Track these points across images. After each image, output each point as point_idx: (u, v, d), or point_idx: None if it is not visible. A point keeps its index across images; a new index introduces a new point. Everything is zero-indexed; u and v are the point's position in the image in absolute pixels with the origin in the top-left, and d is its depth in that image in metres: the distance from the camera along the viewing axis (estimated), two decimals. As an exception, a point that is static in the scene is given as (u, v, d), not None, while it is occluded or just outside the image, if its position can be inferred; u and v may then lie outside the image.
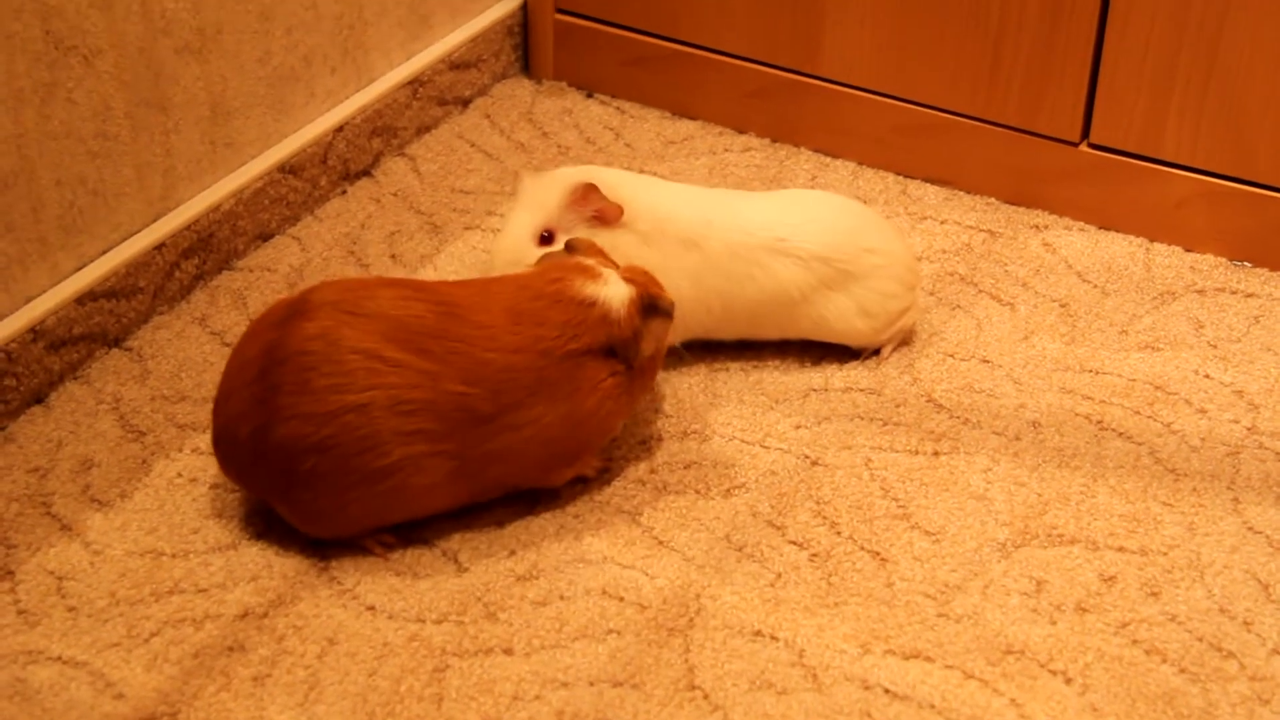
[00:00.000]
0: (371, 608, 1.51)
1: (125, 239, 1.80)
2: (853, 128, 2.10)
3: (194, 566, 1.55)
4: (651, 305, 1.57)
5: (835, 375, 1.79)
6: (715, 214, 1.74)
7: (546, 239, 1.70)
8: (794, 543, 1.59)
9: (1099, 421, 1.73)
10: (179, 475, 1.64)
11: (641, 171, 2.07)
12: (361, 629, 1.49)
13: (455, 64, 2.18)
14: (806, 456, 1.69)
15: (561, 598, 1.52)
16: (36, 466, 1.64)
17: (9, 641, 1.47)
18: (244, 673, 1.45)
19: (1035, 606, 1.53)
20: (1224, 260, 1.96)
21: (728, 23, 2.12)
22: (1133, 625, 1.51)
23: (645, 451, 1.69)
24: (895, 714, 1.43)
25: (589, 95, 2.24)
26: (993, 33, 1.98)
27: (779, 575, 1.55)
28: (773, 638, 1.49)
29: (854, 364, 1.80)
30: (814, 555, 1.58)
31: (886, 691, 1.45)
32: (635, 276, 1.59)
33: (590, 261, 1.59)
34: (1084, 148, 2.00)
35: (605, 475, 1.66)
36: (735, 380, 1.78)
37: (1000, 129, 2.02)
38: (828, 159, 2.12)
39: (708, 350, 1.80)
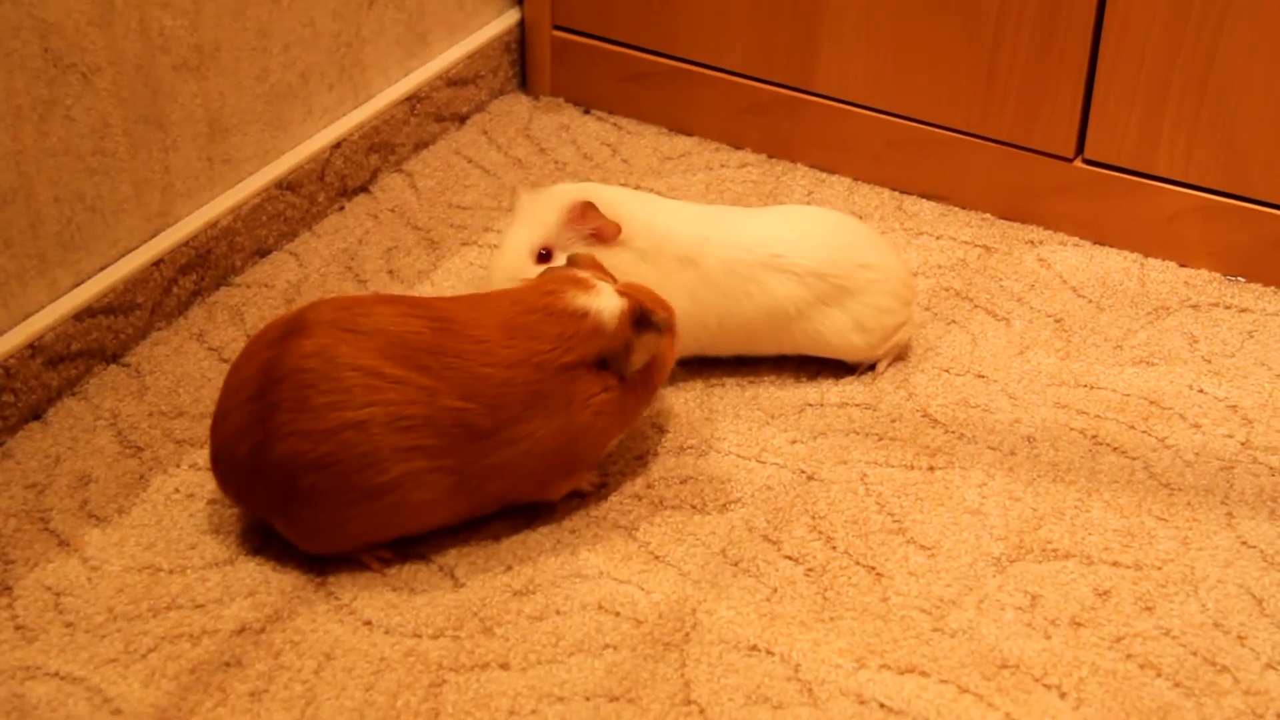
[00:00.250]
0: (368, 623, 1.52)
1: (123, 255, 1.80)
2: (848, 143, 2.11)
3: (191, 582, 1.55)
4: (644, 318, 1.57)
5: (831, 390, 1.80)
6: (712, 231, 1.75)
7: (544, 256, 1.71)
8: (790, 558, 1.59)
9: (1094, 436, 1.74)
10: (176, 491, 1.65)
11: (638, 188, 2.08)
12: (358, 644, 1.50)
13: (453, 80, 2.19)
14: (802, 471, 1.69)
15: (558, 613, 1.53)
16: (34, 482, 1.65)
17: (7, 657, 1.47)
18: (241, 688, 1.45)
19: (1030, 621, 1.53)
20: (1218, 275, 1.97)
21: (724, 39, 2.13)
22: (1127, 639, 1.51)
23: (641, 467, 1.70)
24: (890, 728, 1.43)
25: (586, 111, 2.25)
26: (988, 48, 1.99)
27: (775, 590, 1.56)
28: (768, 652, 1.49)
29: (850, 379, 1.81)
30: (809, 570, 1.58)
31: (882, 706, 1.45)
32: (631, 291, 1.60)
33: (585, 274, 1.59)
34: (1079, 163, 2.00)
35: (602, 490, 1.66)
36: (731, 395, 1.79)
37: (995, 144, 2.03)
38: (824, 175, 2.13)
39: (704, 366, 1.81)
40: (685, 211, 1.78)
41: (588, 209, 1.70)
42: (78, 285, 1.76)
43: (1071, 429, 1.75)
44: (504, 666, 1.48)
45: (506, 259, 1.71)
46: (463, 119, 2.22)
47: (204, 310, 1.88)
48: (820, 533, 1.62)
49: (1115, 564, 1.59)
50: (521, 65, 2.28)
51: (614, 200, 1.73)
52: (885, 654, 1.49)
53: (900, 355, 1.83)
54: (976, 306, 1.92)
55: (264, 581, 1.55)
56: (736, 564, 1.58)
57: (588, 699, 1.45)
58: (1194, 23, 1.87)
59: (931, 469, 1.69)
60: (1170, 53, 1.90)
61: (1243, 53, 1.86)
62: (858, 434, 1.74)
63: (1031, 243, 2.02)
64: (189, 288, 1.87)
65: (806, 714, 1.44)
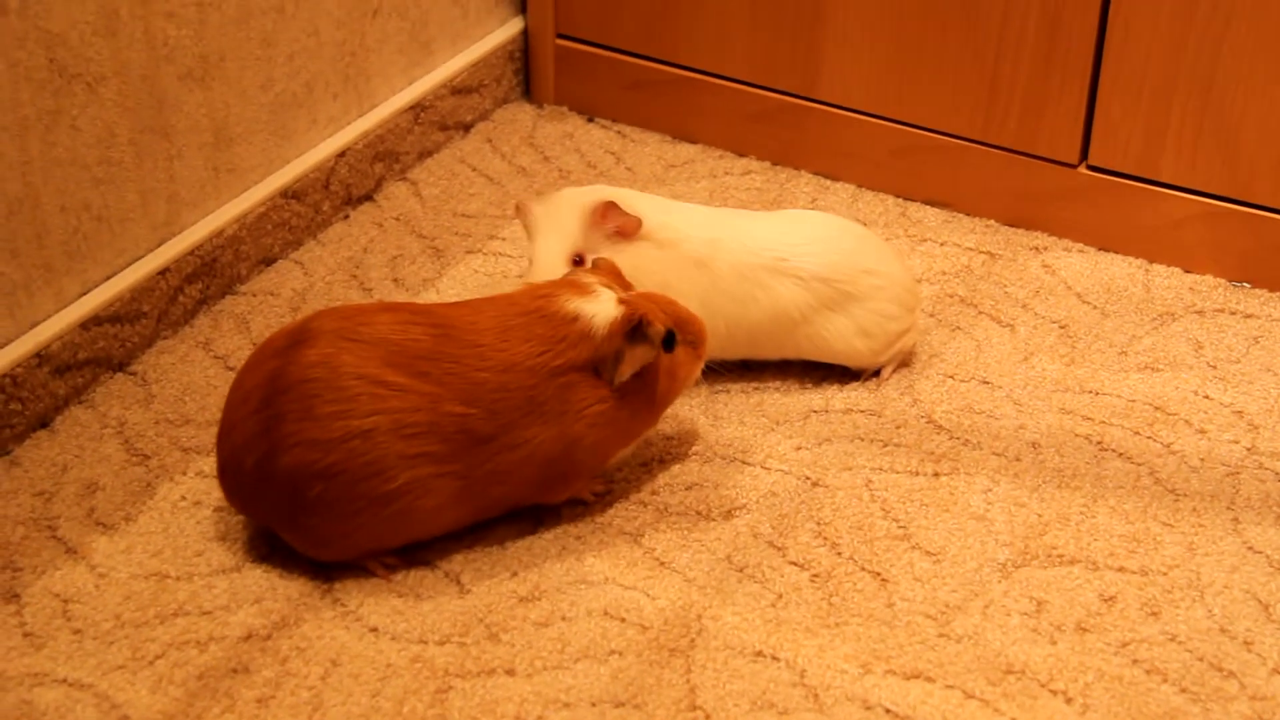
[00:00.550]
0: (374, 629, 1.52)
1: (129, 264, 1.81)
2: (852, 151, 2.11)
3: (198, 589, 1.55)
4: (638, 330, 1.55)
5: (836, 397, 1.80)
6: (723, 233, 1.75)
7: (579, 263, 1.70)
8: (795, 563, 1.59)
9: (1099, 442, 1.74)
10: (183, 498, 1.65)
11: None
12: (364, 650, 1.50)
13: (456, 89, 2.19)
14: (807, 478, 1.69)
15: (563, 619, 1.53)
16: (42, 490, 1.65)
17: (15, 664, 1.47)
18: (248, 694, 1.45)
19: (1036, 626, 1.53)
20: (1223, 281, 1.97)
21: (728, 47, 2.14)
22: (1133, 645, 1.51)
23: (646, 473, 1.70)
24: (896, 734, 1.43)
25: (590, 119, 2.26)
26: (991, 55, 1.99)
27: (780, 596, 1.56)
28: (774, 658, 1.49)
29: (854, 385, 1.81)
30: (815, 576, 1.58)
31: (888, 712, 1.45)
32: (636, 301, 1.58)
33: (589, 279, 1.59)
34: (1083, 169, 2.01)
35: (607, 497, 1.67)
36: (736, 402, 1.79)
37: (999, 151, 2.03)
38: (828, 182, 2.13)
39: (708, 371, 1.81)
40: (697, 214, 1.79)
41: (609, 208, 1.70)
42: (84, 294, 1.76)
43: (1077, 435, 1.75)
44: (510, 672, 1.48)
45: (544, 272, 1.69)
46: (467, 127, 2.23)
47: (210, 319, 1.89)
48: (825, 539, 1.62)
49: (1121, 569, 1.59)
50: (525, 74, 2.29)
51: (630, 199, 1.74)
52: (891, 660, 1.49)
53: (905, 361, 1.84)
54: (981, 313, 1.92)
55: (270, 588, 1.55)
56: (742, 570, 1.59)
57: (593, 705, 1.45)
58: (1197, 28, 1.87)
59: (936, 475, 1.70)
60: (1174, 58, 1.90)
61: (1246, 58, 1.87)
62: (862, 440, 1.74)
63: (1036, 249, 2.02)
64: (195, 296, 1.88)
65: (812, 719, 1.44)
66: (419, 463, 1.51)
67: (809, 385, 1.81)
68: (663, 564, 1.59)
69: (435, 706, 1.45)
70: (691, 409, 1.78)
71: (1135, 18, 1.90)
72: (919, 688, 1.47)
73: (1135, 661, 1.50)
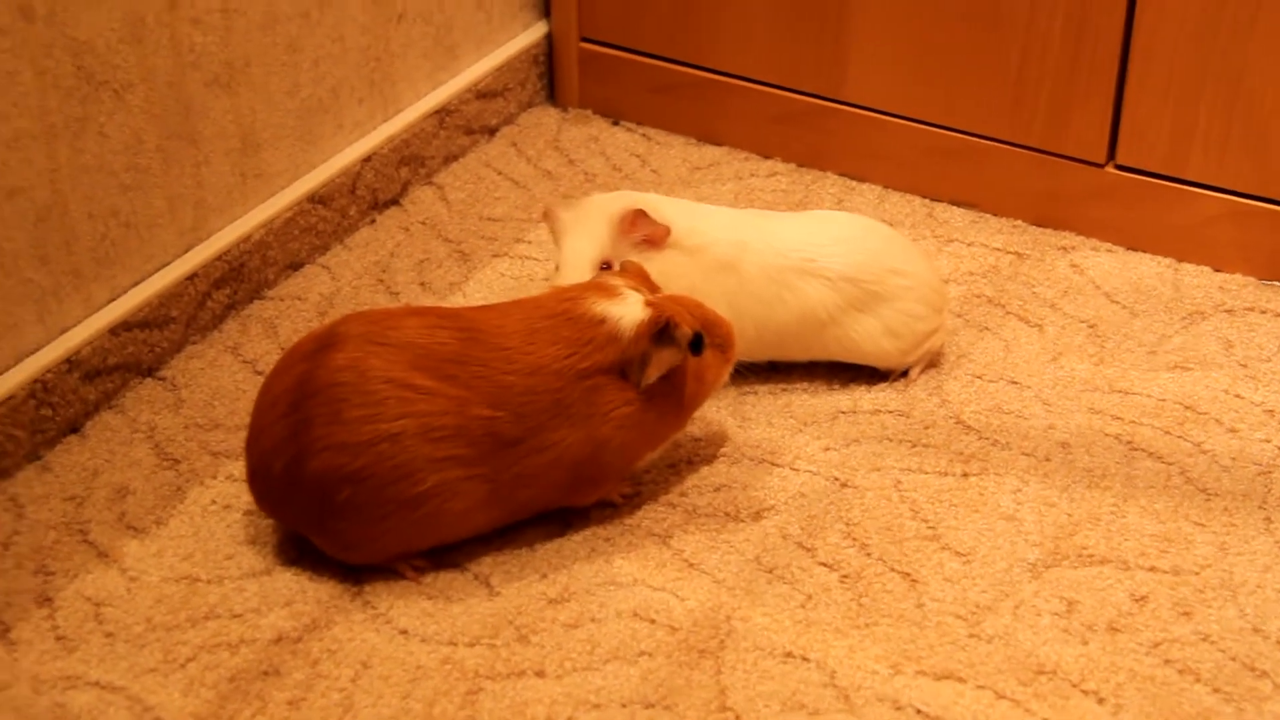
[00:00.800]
0: (404, 631, 1.52)
1: (158, 270, 1.82)
2: (879, 151, 2.11)
3: (229, 592, 1.56)
4: (665, 332, 1.55)
5: (864, 397, 1.79)
6: (750, 235, 1.75)
7: (606, 269, 1.70)
8: (824, 564, 1.59)
9: (1129, 442, 1.73)
10: (213, 502, 1.66)
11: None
12: (395, 652, 1.50)
13: (482, 93, 2.20)
14: (836, 478, 1.69)
15: (593, 620, 1.53)
16: (73, 495, 1.66)
17: (48, 667, 1.48)
18: (279, 696, 1.46)
19: (1067, 627, 1.52)
20: (1253, 280, 1.96)
21: (752, 49, 2.13)
22: (1165, 645, 1.51)
23: (675, 474, 1.70)
24: (928, 734, 1.43)
25: (615, 123, 2.26)
26: (1017, 55, 1.98)
27: (809, 597, 1.56)
28: (804, 659, 1.49)
29: (882, 386, 1.81)
30: (844, 576, 1.58)
31: (919, 712, 1.44)
32: (663, 304, 1.58)
33: (617, 282, 1.59)
34: (1110, 169, 2.00)
35: (635, 499, 1.67)
36: (764, 403, 1.79)
37: (1026, 151, 2.03)
38: (854, 183, 2.13)
39: (736, 373, 1.80)
40: (722, 216, 1.79)
41: (639, 216, 1.70)
42: (113, 300, 1.77)
43: (1106, 434, 1.74)
44: (540, 674, 1.48)
45: (571, 278, 1.68)
46: (492, 131, 2.23)
47: (238, 323, 1.89)
48: (854, 539, 1.62)
49: (1152, 569, 1.58)
50: (550, 77, 2.29)
51: (657, 205, 1.74)
52: (921, 660, 1.49)
53: (933, 362, 1.83)
54: (1009, 313, 1.92)
55: (301, 591, 1.56)
56: (771, 571, 1.58)
57: (624, 706, 1.45)
58: (1225, 25, 1.86)
59: (965, 475, 1.69)
60: (1201, 56, 1.89)
61: (1274, 55, 1.86)
62: (891, 441, 1.74)
63: (1064, 249, 2.02)
64: (223, 301, 1.89)
65: (843, 720, 1.44)
66: (447, 466, 1.52)
67: (837, 386, 1.81)
68: (692, 565, 1.59)
69: (465, 708, 1.45)
70: (719, 410, 1.77)
71: (1162, 15, 1.89)
72: (950, 688, 1.47)
73: (1167, 662, 1.49)
